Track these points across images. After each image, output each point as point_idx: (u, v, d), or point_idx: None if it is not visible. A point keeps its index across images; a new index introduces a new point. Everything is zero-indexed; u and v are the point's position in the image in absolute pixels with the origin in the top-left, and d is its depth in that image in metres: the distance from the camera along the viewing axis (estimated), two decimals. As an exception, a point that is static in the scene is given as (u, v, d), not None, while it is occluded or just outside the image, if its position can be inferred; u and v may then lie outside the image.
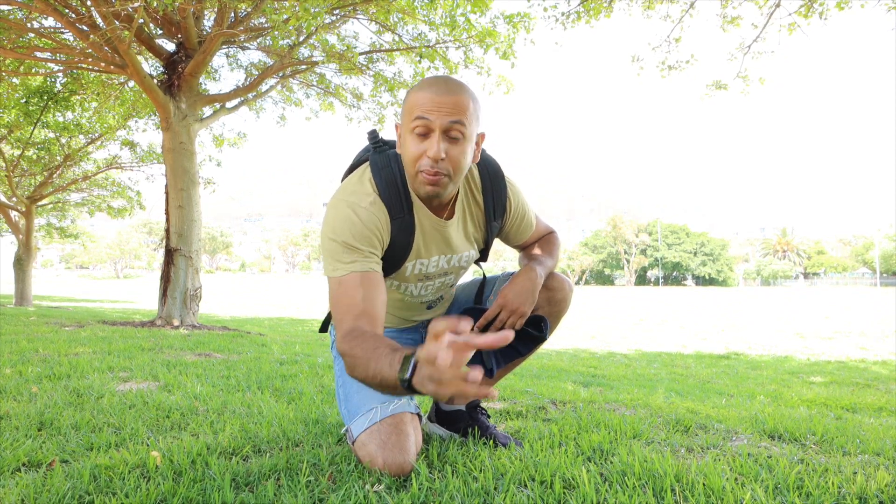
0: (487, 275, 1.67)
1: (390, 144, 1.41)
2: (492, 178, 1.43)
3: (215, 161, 10.50)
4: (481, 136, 1.30)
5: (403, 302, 1.55)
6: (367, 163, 1.36)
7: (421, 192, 1.26)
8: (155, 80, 6.49)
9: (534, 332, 1.45)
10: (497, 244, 1.64)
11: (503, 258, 62.62)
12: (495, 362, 1.47)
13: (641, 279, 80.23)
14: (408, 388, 0.92)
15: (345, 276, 1.23)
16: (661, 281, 77.72)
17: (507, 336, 0.77)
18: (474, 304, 1.64)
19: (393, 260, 1.36)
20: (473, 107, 1.21)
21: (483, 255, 1.55)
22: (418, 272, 1.44)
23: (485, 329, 1.43)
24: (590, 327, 12.11)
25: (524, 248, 1.62)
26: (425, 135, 1.19)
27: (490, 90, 7.26)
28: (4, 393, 2.13)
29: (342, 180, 1.43)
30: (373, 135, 1.40)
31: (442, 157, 1.18)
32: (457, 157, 1.21)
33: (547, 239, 1.62)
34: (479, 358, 1.48)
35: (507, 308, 1.39)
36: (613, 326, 12.66)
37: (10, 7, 6.27)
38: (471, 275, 1.78)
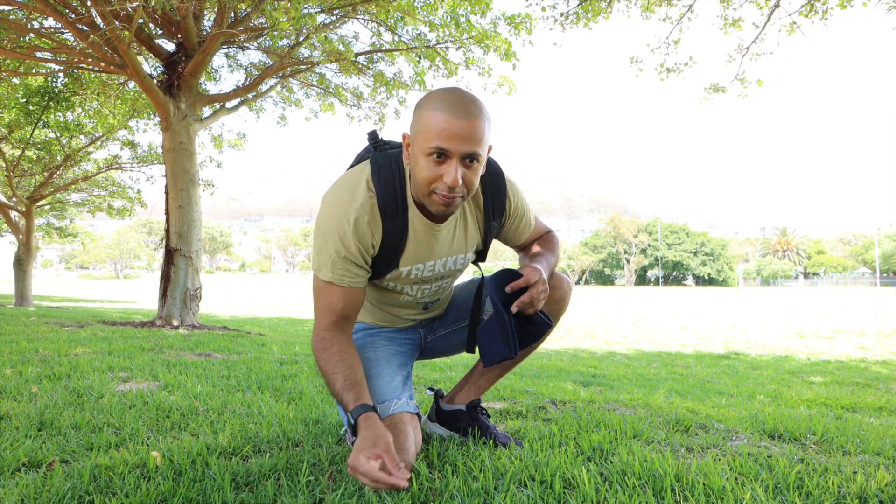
0: (486, 274, 1.67)
1: (391, 145, 1.41)
2: (492, 179, 1.43)
3: (216, 162, 10.50)
4: (489, 149, 1.31)
5: (401, 302, 1.55)
6: (367, 161, 1.36)
7: (433, 210, 1.27)
8: (155, 81, 6.49)
9: (545, 318, 1.39)
10: (496, 244, 1.63)
11: (503, 258, 62.60)
12: (518, 346, 1.37)
13: (641, 279, 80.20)
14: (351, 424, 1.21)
15: (329, 282, 1.32)
16: (661, 281, 77.69)
17: None
18: (473, 303, 1.64)
19: (385, 260, 1.37)
20: (488, 129, 1.21)
21: (482, 256, 1.55)
22: (415, 276, 1.44)
23: (513, 297, 1.35)
24: (590, 327, 12.11)
25: (523, 248, 1.62)
26: (441, 160, 1.19)
27: (492, 90, 7.26)
28: (4, 393, 2.13)
29: None
30: (373, 135, 1.42)
31: (460, 183, 1.19)
32: (471, 179, 1.23)
33: (546, 238, 1.61)
34: (501, 338, 1.35)
35: (541, 282, 1.33)
36: (613, 326, 12.66)
37: (10, 7, 6.27)
38: (469, 274, 1.78)
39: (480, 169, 1.25)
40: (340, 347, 1.32)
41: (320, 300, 1.34)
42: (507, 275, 1.36)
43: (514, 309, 1.33)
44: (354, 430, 1.18)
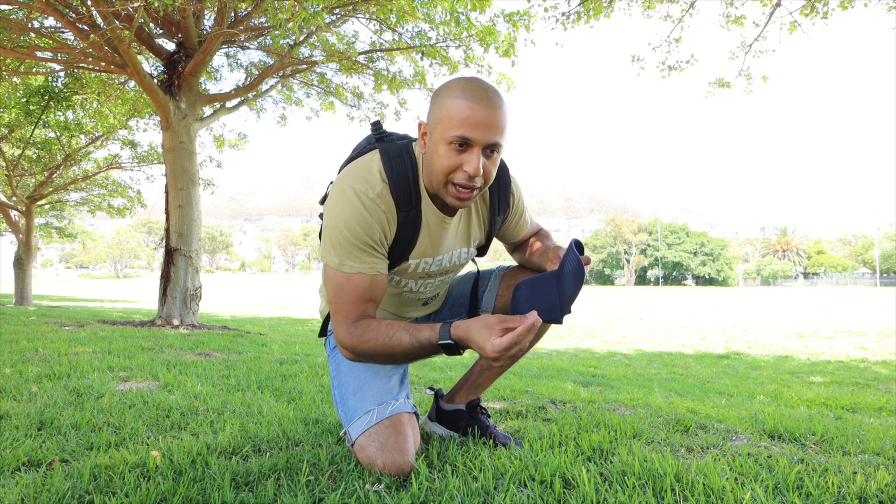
0: (481, 269, 1.67)
1: (395, 136, 1.39)
2: (498, 174, 1.41)
3: (216, 162, 10.51)
4: None
5: (401, 298, 1.54)
6: (376, 150, 1.32)
7: (448, 202, 1.25)
8: (155, 80, 6.49)
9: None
10: (495, 242, 1.63)
11: (502, 259, 62.58)
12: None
13: (641, 279, 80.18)
14: (445, 347, 1.17)
15: (353, 273, 1.25)
16: (661, 281, 77.68)
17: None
18: (469, 298, 1.65)
19: (397, 253, 1.34)
20: (509, 119, 1.20)
21: (483, 251, 1.55)
22: (422, 270, 1.43)
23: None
24: (590, 327, 12.11)
25: (518, 248, 1.61)
26: (463, 149, 1.17)
27: (491, 88, 7.25)
28: (4, 393, 2.13)
29: (339, 172, 1.38)
30: (376, 126, 1.38)
31: (480, 173, 1.18)
32: (490, 170, 1.21)
33: (543, 234, 1.62)
34: (558, 300, 1.29)
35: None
36: (613, 326, 12.66)
37: (10, 7, 6.27)
38: (465, 269, 1.78)
39: (498, 161, 1.24)
40: (377, 321, 1.25)
41: (344, 295, 1.25)
42: (579, 247, 1.31)
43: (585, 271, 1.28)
44: (456, 347, 1.16)
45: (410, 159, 1.30)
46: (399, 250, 1.33)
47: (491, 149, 1.18)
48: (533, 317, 1.06)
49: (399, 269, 1.40)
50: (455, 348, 1.17)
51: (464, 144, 1.16)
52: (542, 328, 1.55)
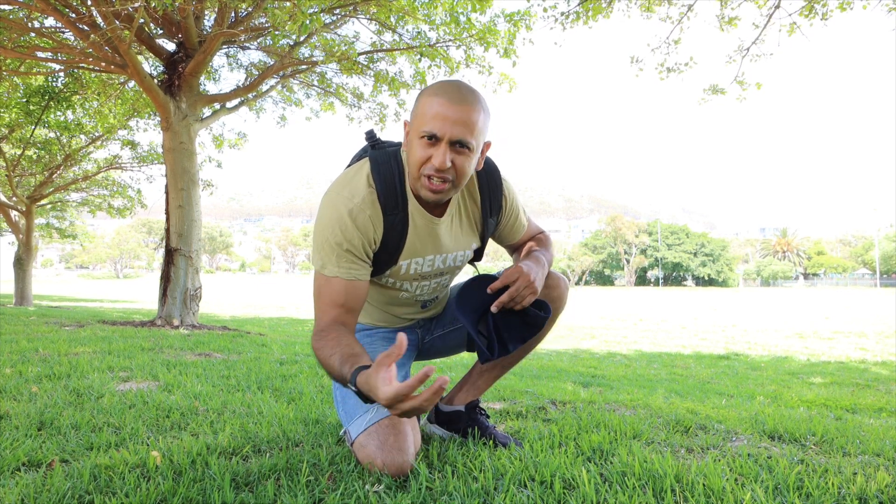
0: (482, 274, 1.68)
1: (388, 143, 1.43)
2: (489, 176, 1.45)
3: (216, 162, 10.50)
4: (487, 145, 1.32)
5: (399, 299, 1.55)
6: (367, 158, 1.38)
7: (422, 195, 1.29)
8: (155, 80, 6.49)
9: (538, 311, 1.37)
10: (496, 245, 1.64)
11: (503, 259, 62.56)
12: (498, 347, 1.36)
13: (641, 279, 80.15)
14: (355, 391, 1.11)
15: (332, 277, 1.30)
16: (661, 281, 77.65)
17: None
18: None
19: (386, 256, 1.37)
20: (482, 120, 1.23)
21: (478, 255, 1.56)
22: (414, 272, 1.45)
23: (496, 295, 1.34)
24: (590, 327, 12.11)
25: (517, 249, 1.62)
26: (432, 143, 1.21)
27: (493, 89, 7.26)
28: (4, 393, 2.13)
29: None
30: (370, 134, 1.43)
31: (447, 166, 1.20)
32: (462, 165, 1.23)
33: (540, 238, 1.63)
34: (473, 341, 1.37)
35: (523, 277, 1.31)
36: (613, 326, 12.65)
37: (10, 7, 6.27)
38: (467, 274, 1.78)
39: (474, 159, 1.26)
40: (338, 334, 1.26)
41: (322, 298, 1.31)
42: (484, 280, 1.37)
43: (493, 309, 1.32)
44: (365, 397, 1.08)
45: (398, 164, 1.35)
46: (388, 252, 1.37)
47: (459, 144, 1.20)
48: (439, 381, 0.90)
49: (392, 271, 1.42)
50: (363, 395, 1.09)
51: (432, 138, 1.20)
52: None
